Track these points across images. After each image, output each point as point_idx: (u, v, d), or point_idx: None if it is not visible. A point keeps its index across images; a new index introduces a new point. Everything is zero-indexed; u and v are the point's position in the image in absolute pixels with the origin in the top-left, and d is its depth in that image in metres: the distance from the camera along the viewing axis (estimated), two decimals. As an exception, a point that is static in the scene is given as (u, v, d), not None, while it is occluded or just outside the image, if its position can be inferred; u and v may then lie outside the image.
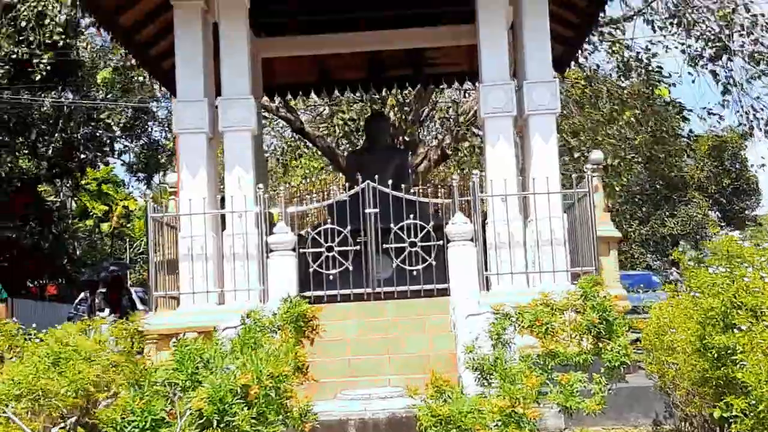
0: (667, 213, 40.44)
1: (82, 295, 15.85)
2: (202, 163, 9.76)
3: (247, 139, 9.85)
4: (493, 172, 9.92)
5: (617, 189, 18.79)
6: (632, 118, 17.61)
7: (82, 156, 31.68)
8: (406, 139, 19.38)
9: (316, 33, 13.14)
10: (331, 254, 9.77)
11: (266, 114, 18.79)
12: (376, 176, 10.16)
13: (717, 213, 42.28)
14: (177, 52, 9.86)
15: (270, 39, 13.47)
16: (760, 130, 19.08)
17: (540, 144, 9.99)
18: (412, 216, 9.83)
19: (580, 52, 15.07)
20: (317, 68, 14.75)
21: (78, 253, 36.90)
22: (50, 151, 28.84)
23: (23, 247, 29.75)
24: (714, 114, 19.62)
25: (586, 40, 17.05)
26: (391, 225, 9.81)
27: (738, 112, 19.17)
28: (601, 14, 12.12)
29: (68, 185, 34.30)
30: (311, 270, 9.74)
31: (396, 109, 19.69)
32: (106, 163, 36.78)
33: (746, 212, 45.23)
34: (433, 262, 9.76)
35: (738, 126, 19.46)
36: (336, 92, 15.69)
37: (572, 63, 14.24)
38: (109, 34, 11.02)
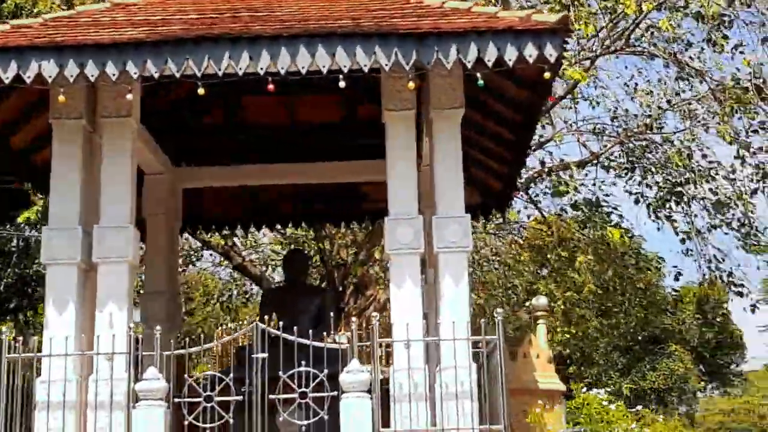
0: (648, 366, 39.12)
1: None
2: (71, 297, 8.79)
3: (124, 272, 8.93)
4: (397, 314, 8.98)
5: (567, 337, 17.83)
6: (584, 265, 16.84)
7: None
8: (355, 280, 18.53)
9: (242, 163, 12.54)
10: (209, 405, 8.67)
11: (206, 251, 17.99)
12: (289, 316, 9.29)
13: (700, 367, 40.90)
14: (51, 174, 9.08)
15: (191, 169, 12.82)
16: (723, 281, 18.26)
17: (449, 284, 9.07)
18: (304, 362, 8.79)
19: (523, 195, 14.55)
20: (247, 200, 14.06)
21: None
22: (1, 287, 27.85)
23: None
24: (674, 267, 18.95)
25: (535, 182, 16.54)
26: (280, 373, 8.76)
27: (698, 262, 18.45)
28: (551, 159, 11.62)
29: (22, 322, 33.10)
30: (186, 423, 8.63)
31: (346, 248, 18.95)
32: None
33: (730, 367, 43.92)
34: (326, 416, 8.65)
35: (703, 278, 18.60)
36: (265, 227, 14.93)
37: (510, 202, 13.57)
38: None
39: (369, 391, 8.54)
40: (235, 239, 19.09)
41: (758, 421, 68.25)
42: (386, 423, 8.62)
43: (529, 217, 18.80)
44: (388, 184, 9.36)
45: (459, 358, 8.73)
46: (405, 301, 9.01)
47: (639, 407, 37.09)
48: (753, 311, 19.03)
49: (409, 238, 9.11)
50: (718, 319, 42.27)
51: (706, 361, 41.63)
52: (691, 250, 18.20)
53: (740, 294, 17.79)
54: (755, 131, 17.30)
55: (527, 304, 14.44)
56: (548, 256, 17.43)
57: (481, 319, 9.22)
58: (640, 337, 39.49)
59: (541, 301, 14.08)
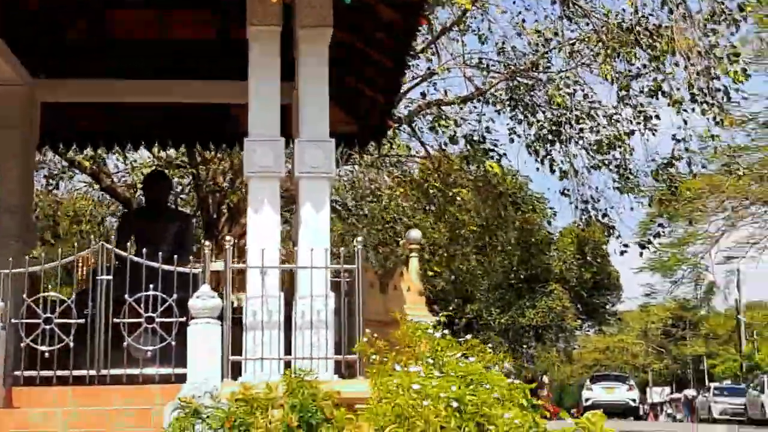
0: (528, 304, 40.05)
1: None
2: None
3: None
4: (253, 240, 8.64)
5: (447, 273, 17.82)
6: (465, 202, 16.79)
7: None
8: (230, 205, 18.04)
9: (104, 78, 11.81)
10: (48, 327, 8.21)
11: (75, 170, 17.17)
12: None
13: (578, 306, 42.12)
14: None
15: (52, 81, 12.02)
16: (598, 221, 18.50)
17: (310, 211, 8.77)
18: (152, 287, 8.39)
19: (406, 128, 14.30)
20: (113, 118, 13.31)
21: None
22: None
23: None
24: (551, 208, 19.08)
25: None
26: (126, 296, 8.35)
27: (574, 203, 18.62)
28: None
29: None
30: (23, 345, 8.16)
31: (223, 174, 18.40)
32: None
33: (606, 307, 45.41)
34: (173, 342, 8.30)
35: (580, 218, 18.79)
36: (132, 147, 14.25)
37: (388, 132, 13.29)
38: None
39: (220, 318, 8.23)
40: (108, 161, 18.31)
41: (631, 359, 71.47)
42: (239, 351, 8.35)
43: (410, 149, 18.63)
44: (249, 104, 8.94)
45: (316, 287, 8.49)
46: (262, 227, 8.67)
47: (485, 344, 37.91)
48: (622, 254, 19.40)
49: (268, 161, 8.73)
50: (597, 260, 43.42)
51: (583, 301, 42.89)
52: (569, 190, 18.37)
53: (610, 234, 18.10)
54: (636, 76, 17.41)
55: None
56: (429, 191, 17.30)
57: (341, 248, 8.99)
58: (522, 276, 40.33)
59: (414, 234, 13.87)
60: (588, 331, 48.43)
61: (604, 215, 18.38)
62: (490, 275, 38.22)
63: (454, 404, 4.83)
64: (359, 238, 9.01)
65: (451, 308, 40.86)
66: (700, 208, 32.57)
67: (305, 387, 5.26)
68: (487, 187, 18.23)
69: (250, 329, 8.39)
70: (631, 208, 17.81)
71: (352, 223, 19.11)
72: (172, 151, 18.15)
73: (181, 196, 20.83)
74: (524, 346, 43.08)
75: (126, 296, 8.33)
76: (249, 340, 8.38)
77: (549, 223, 19.09)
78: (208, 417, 4.98)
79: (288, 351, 8.40)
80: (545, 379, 45.17)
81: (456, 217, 18.40)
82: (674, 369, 67.10)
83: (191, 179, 18.09)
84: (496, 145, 16.50)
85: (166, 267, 8.56)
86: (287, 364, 8.33)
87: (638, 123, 17.68)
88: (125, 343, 8.27)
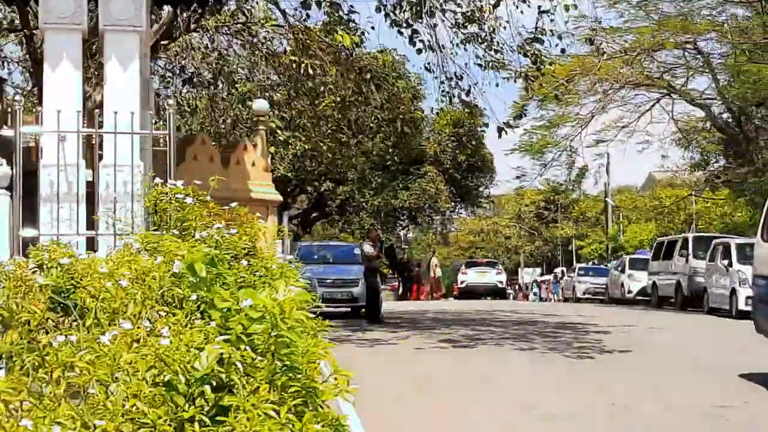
0: (401, 185, 39.74)
1: None
2: None
3: None
4: (49, 100, 7.62)
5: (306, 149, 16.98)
6: (322, 75, 15.83)
7: None
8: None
9: None
10: None
11: None
12: None
13: (451, 189, 42.08)
14: None
15: None
16: (459, 99, 17.86)
17: (116, 69, 7.78)
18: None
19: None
20: None
21: None
22: None
23: None
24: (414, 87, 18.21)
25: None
26: None
27: (439, 78, 17.88)
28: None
29: None
30: None
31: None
32: None
33: (480, 189, 45.59)
34: (-45, 216, 7.32)
35: (442, 94, 18.11)
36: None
37: None
38: None
39: (9, 188, 7.29)
40: None
41: (504, 242, 73.15)
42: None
43: (269, 19, 17.44)
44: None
45: (121, 155, 7.60)
46: (60, 86, 7.67)
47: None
48: (499, 135, 19.00)
49: (67, 10, 7.65)
50: (472, 143, 43.32)
51: (457, 183, 42.82)
52: (433, 64, 17.63)
53: (470, 113, 17.51)
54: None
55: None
56: (282, 60, 16.27)
57: (150, 112, 8.05)
58: (396, 158, 39.87)
59: (260, 105, 13.02)
60: (461, 213, 48.71)
61: (468, 93, 17.73)
62: (357, 157, 37.66)
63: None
64: (171, 101, 8.09)
65: (323, 190, 40.34)
66: (571, 89, 32.50)
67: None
68: (347, 62, 17.29)
69: (46, 202, 7.48)
70: (497, 84, 17.23)
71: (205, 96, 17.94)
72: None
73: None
74: (399, 228, 43.08)
75: None
76: (45, 213, 7.48)
77: (412, 99, 18.35)
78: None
79: (91, 226, 7.55)
80: (435, 260, 45.25)
81: (315, 92, 17.47)
82: (545, 251, 69.05)
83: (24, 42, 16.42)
84: (353, 13, 15.44)
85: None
86: (90, 242, 7.50)
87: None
88: None
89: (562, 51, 18.53)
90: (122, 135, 7.62)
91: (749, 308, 21.30)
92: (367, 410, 8.20)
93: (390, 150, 39.73)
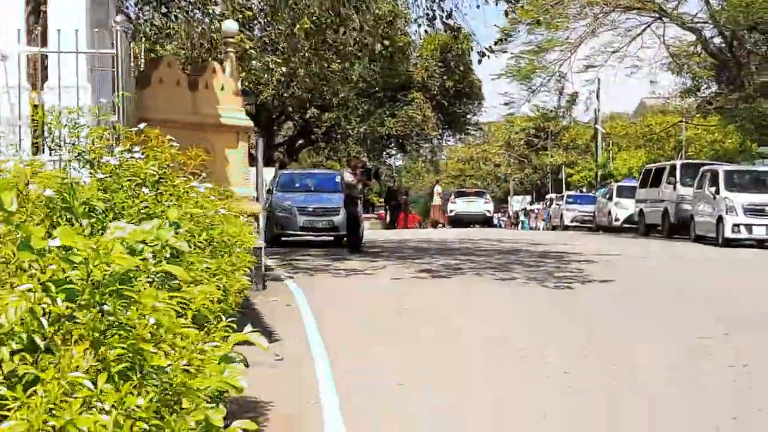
0: (387, 112, 39.11)
1: None
2: None
3: None
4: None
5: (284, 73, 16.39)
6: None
7: None
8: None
9: None
10: None
11: None
12: None
13: (439, 115, 41.47)
14: None
15: None
16: (441, 22, 17.26)
17: (58, -17, 7.23)
18: None
19: None
20: None
21: None
22: None
23: None
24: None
25: None
26: None
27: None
28: None
29: None
30: None
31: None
32: None
33: (467, 116, 45.00)
34: None
35: (423, 17, 17.51)
36: None
37: None
38: None
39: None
40: None
41: (493, 170, 72.71)
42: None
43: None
44: None
45: (66, 76, 7.10)
46: (2, 2, 7.13)
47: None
48: (479, 61, 18.48)
49: None
50: (459, 69, 42.56)
51: (444, 110, 42.18)
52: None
53: (455, 37, 16.91)
54: None
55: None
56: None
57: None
58: (382, 84, 39.15)
59: (228, 25, 12.41)
60: (449, 140, 48.09)
61: (449, 15, 17.13)
62: (342, 83, 36.89)
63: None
64: (118, 17, 7.54)
65: (308, 116, 39.68)
66: (561, 13, 31.71)
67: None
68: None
69: (-8, 125, 7.01)
70: (477, 6, 16.58)
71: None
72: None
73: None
74: (386, 155, 42.56)
75: None
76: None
77: (391, 23, 17.76)
78: None
79: (35, 151, 7.09)
80: (438, 188, 44.26)
81: (293, 11, 16.80)
82: (535, 179, 68.61)
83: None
84: None
85: None
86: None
87: None
88: None
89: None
90: (69, 55, 7.12)
91: (735, 236, 21.43)
92: (330, 336, 8.00)
93: (376, 76, 39.03)
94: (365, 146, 39.28)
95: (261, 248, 12.13)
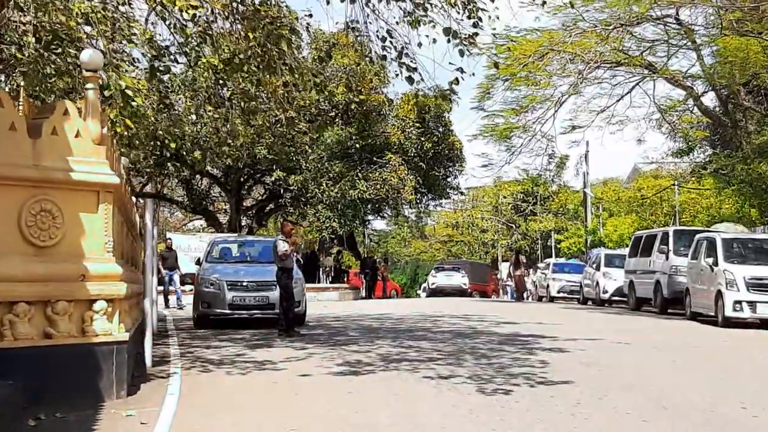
0: (360, 175, 36.50)
1: None
2: None
3: None
4: None
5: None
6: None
7: None
8: None
9: None
10: None
11: None
12: None
13: (417, 178, 38.81)
14: None
15: None
16: (392, 62, 14.68)
17: None
18: None
19: None
20: None
21: None
22: None
23: None
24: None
25: None
26: None
27: (368, 37, 14.77)
28: None
29: None
30: None
31: None
32: None
33: (448, 180, 42.41)
34: None
35: (366, 56, 15.03)
36: None
37: None
38: None
39: None
40: None
41: (480, 236, 70.00)
42: None
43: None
44: None
45: None
46: None
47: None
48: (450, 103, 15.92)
49: None
50: (439, 130, 40.18)
51: (423, 173, 39.58)
52: (357, 22, 14.50)
53: (411, 80, 14.25)
54: None
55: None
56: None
57: None
58: (357, 145, 36.73)
59: (89, 56, 9.74)
60: (428, 204, 45.34)
61: (400, 54, 14.53)
62: (320, 147, 34.40)
63: None
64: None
65: (272, 179, 37.07)
66: (540, 68, 29.35)
67: None
68: (255, 16, 14.10)
69: None
70: (419, 44, 14.02)
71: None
72: None
73: None
74: (357, 222, 39.70)
75: None
76: None
77: (326, 56, 15.31)
78: None
79: None
80: (522, 258, 37.60)
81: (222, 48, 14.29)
82: (523, 245, 65.58)
83: None
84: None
85: None
86: None
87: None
88: None
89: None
90: None
91: (737, 315, 18.23)
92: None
93: (354, 138, 36.58)
94: (336, 211, 36.54)
95: (126, 342, 9.36)
